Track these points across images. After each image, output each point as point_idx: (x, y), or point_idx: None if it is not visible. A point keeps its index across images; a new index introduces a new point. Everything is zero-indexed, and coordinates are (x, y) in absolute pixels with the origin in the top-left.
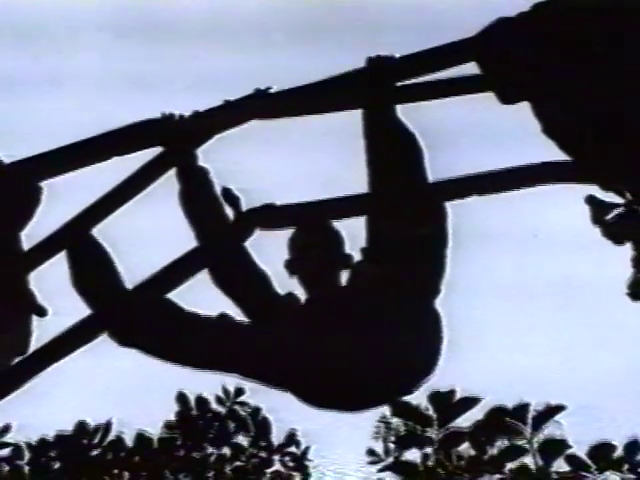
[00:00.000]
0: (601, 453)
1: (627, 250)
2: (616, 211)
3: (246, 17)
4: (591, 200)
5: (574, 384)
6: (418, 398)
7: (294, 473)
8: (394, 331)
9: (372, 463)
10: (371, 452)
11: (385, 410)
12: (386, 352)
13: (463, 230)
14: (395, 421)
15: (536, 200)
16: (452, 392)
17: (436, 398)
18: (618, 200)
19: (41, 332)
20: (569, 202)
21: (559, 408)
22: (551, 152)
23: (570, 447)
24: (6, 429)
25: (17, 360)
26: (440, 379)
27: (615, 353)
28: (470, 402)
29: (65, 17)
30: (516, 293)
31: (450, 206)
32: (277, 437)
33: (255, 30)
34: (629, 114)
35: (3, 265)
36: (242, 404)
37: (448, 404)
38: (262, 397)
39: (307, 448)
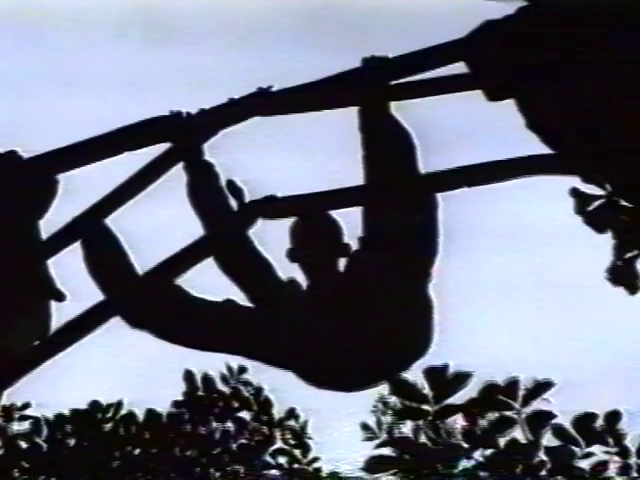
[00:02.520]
0: (584, 424)
1: (607, 239)
2: (597, 202)
3: (249, 19)
4: (574, 192)
5: (558, 364)
6: (414, 378)
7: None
8: (390, 314)
9: (368, 439)
10: (365, 427)
11: (382, 388)
12: (383, 334)
13: (452, 222)
14: (393, 399)
15: (522, 192)
16: (446, 367)
17: (431, 373)
18: (599, 192)
19: (60, 316)
20: (552, 194)
21: (548, 384)
22: (535, 146)
23: (555, 416)
24: (25, 406)
25: (36, 342)
26: (433, 361)
27: (596, 335)
28: (463, 377)
29: (76, 18)
30: (503, 280)
31: (441, 199)
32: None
33: (258, 31)
34: (609, 111)
35: (23, 253)
36: (245, 383)
37: (443, 379)
38: (264, 375)
39: (306, 422)
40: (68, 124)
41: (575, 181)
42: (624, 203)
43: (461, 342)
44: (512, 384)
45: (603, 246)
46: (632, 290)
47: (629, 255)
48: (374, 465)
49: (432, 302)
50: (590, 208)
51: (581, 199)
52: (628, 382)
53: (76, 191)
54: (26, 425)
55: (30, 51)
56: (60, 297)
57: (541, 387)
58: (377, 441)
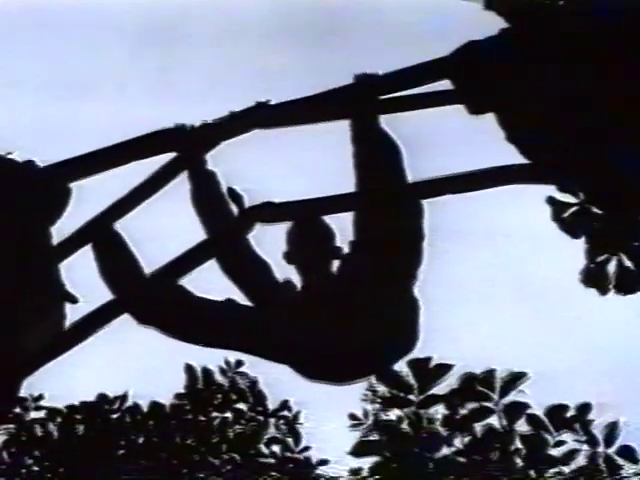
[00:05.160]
0: (556, 413)
1: (580, 244)
2: (572, 210)
3: (254, 26)
4: (551, 200)
5: (533, 358)
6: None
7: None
8: (379, 312)
9: (354, 426)
10: (352, 416)
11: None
12: (371, 331)
13: (437, 227)
14: (381, 389)
15: (502, 200)
16: (429, 359)
17: (414, 364)
18: (573, 200)
19: (75, 317)
20: (530, 202)
21: (523, 377)
22: (513, 157)
23: (530, 407)
24: (39, 398)
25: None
26: (419, 355)
27: (570, 332)
28: (444, 368)
29: (85, 23)
30: (483, 281)
31: (426, 205)
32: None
33: (264, 37)
34: (582, 125)
35: (37, 257)
36: (242, 375)
37: (425, 369)
38: (260, 369)
39: (298, 412)
40: (82, 129)
41: (551, 190)
42: (596, 210)
43: (444, 338)
44: (490, 376)
45: (577, 250)
46: (603, 291)
47: (600, 259)
48: (360, 449)
49: (418, 301)
50: (565, 215)
51: (557, 207)
52: (599, 376)
53: (86, 198)
54: (41, 414)
55: (38, 55)
56: (73, 299)
57: (517, 379)
58: (364, 429)
